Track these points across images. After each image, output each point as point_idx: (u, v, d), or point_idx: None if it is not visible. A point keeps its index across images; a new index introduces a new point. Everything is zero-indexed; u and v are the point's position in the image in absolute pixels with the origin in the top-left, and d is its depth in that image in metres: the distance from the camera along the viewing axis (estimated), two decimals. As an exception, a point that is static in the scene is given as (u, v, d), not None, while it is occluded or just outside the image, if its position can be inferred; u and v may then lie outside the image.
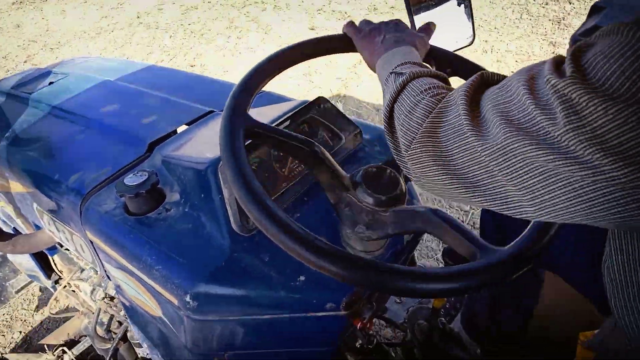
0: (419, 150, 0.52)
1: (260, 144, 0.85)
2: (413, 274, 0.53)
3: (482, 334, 1.03)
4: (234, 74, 3.74)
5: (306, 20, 4.45)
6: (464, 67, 0.81)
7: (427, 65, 0.66)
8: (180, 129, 1.10)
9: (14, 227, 1.43)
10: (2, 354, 1.83)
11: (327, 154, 0.71)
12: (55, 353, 1.34)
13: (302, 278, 0.78)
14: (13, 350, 1.80)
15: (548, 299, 1.07)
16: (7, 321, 1.97)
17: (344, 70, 3.60)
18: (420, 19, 0.88)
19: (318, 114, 0.94)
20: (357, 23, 0.82)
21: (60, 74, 1.46)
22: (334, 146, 0.94)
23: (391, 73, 0.64)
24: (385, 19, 0.81)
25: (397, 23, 0.78)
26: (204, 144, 0.95)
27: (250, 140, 0.83)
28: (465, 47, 0.90)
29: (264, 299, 0.77)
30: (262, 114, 0.93)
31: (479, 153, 0.45)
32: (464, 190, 0.49)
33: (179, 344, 0.89)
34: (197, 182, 0.85)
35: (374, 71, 0.75)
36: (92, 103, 1.24)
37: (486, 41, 3.75)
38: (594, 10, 0.82)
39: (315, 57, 0.82)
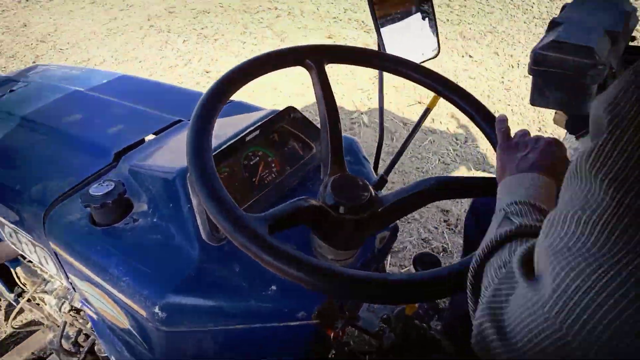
0: (484, 324, 0.42)
1: (229, 155, 0.85)
2: (372, 279, 0.54)
3: (459, 336, 1.04)
4: (253, 81, 3.75)
5: (322, 29, 4.40)
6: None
7: (544, 208, 0.56)
8: (147, 139, 1.09)
9: (-28, 240, 1.37)
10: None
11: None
12: None
13: (273, 287, 0.78)
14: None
15: None
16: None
17: (365, 81, 3.57)
18: (387, 32, 0.90)
19: (288, 124, 0.94)
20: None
21: (22, 82, 1.42)
22: (304, 155, 0.95)
23: (501, 210, 0.56)
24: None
25: (551, 143, 0.66)
26: (172, 153, 0.95)
27: (219, 150, 0.83)
28: (431, 59, 0.93)
29: (235, 309, 0.77)
30: (231, 123, 0.94)
31: (541, 315, 0.36)
32: None
33: (148, 356, 0.88)
34: (165, 191, 0.85)
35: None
36: (55, 112, 1.21)
37: (511, 56, 3.77)
38: (552, 26, 0.86)
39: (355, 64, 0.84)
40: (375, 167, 1.01)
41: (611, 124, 0.31)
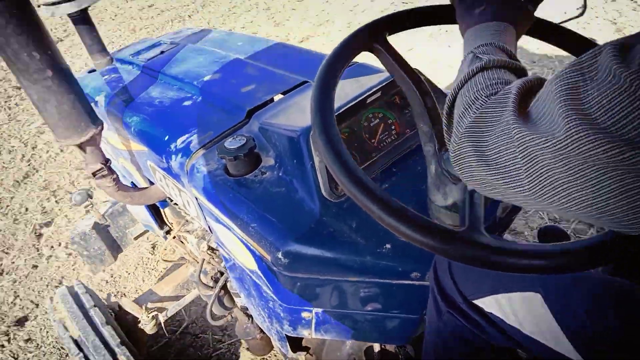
0: (464, 144, 0.50)
1: (350, 116, 0.87)
2: (513, 250, 0.51)
3: None
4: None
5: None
6: (571, 39, 0.76)
7: (511, 50, 0.61)
8: (276, 98, 1.15)
9: (131, 182, 1.60)
10: (119, 298, 2.09)
11: (439, 108, 0.71)
12: (150, 315, 1.52)
13: (388, 246, 0.80)
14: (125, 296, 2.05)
15: None
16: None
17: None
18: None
19: None
20: None
21: (171, 44, 1.58)
22: None
23: (469, 53, 0.61)
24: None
25: None
26: (298, 112, 1.00)
27: (341, 110, 0.86)
28: (574, 18, 0.83)
29: (351, 262, 0.81)
30: (353, 85, 0.95)
31: (524, 145, 0.42)
32: (509, 187, 0.46)
33: (271, 296, 0.97)
34: (291, 148, 0.90)
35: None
36: (198, 71, 1.34)
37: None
38: None
39: (417, 27, 0.80)
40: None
41: None
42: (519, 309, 0.72)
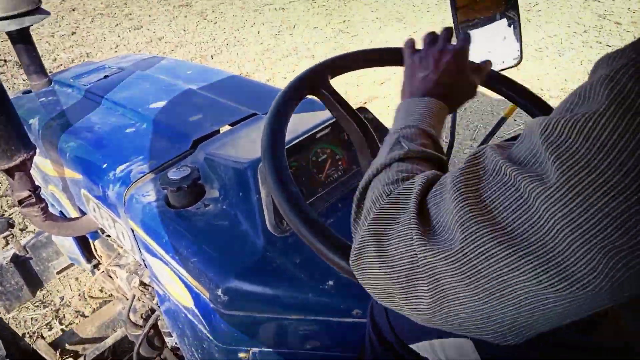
0: (366, 241, 0.45)
1: (299, 150, 0.87)
2: None
3: None
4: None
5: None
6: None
7: (437, 137, 0.59)
8: (223, 129, 1.14)
9: (60, 211, 1.50)
10: (33, 340, 1.91)
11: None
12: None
13: (330, 283, 0.79)
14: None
15: None
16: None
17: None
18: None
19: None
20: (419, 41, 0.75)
21: (116, 69, 1.53)
22: (373, 156, 0.95)
23: (395, 133, 0.58)
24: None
25: (456, 56, 0.70)
26: (246, 144, 0.98)
27: (290, 145, 0.85)
28: (511, 67, 0.90)
29: (293, 299, 0.79)
30: (303, 120, 0.96)
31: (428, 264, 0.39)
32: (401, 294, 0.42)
33: (207, 336, 0.92)
34: (236, 180, 0.88)
35: None
36: (143, 98, 1.30)
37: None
38: None
39: (368, 67, 0.83)
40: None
41: (609, 97, 0.32)
42: (451, 355, 0.72)
